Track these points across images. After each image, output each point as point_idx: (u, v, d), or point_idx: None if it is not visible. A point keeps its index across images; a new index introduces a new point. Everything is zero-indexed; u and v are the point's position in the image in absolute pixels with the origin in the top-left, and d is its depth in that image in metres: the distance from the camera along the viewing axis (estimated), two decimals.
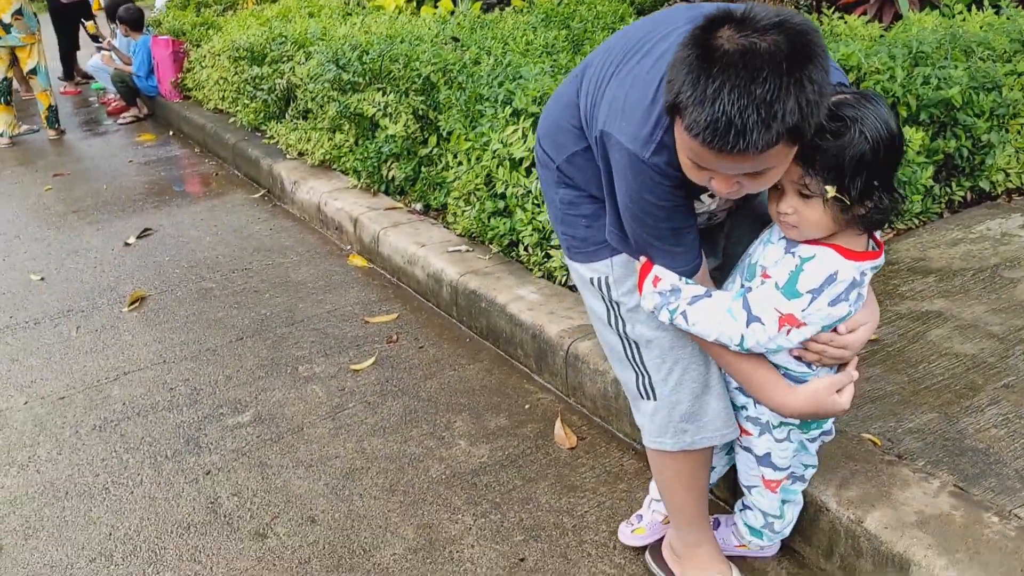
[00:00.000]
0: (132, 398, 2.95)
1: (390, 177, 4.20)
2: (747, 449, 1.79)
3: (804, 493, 1.92)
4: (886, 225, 1.49)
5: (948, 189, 3.34)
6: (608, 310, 1.72)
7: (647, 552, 2.02)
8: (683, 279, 1.55)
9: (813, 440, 1.79)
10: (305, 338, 3.29)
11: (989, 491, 1.88)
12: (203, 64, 6.78)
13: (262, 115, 5.62)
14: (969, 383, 2.29)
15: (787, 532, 1.92)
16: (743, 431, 1.77)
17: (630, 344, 1.71)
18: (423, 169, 4.00)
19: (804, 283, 1.46)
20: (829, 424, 1.79)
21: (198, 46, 7.08)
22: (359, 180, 4.36)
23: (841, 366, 1.62)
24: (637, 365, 1.72)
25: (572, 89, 1.62)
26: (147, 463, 2.59)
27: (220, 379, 3.04)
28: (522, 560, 2.08)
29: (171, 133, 7.05)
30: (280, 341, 3.28)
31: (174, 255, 4.25)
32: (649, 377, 1.71)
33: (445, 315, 3.37)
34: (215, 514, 2.34)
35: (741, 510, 1.93)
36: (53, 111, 7.20)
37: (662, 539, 2.00)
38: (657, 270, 1.56)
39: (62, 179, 5.84)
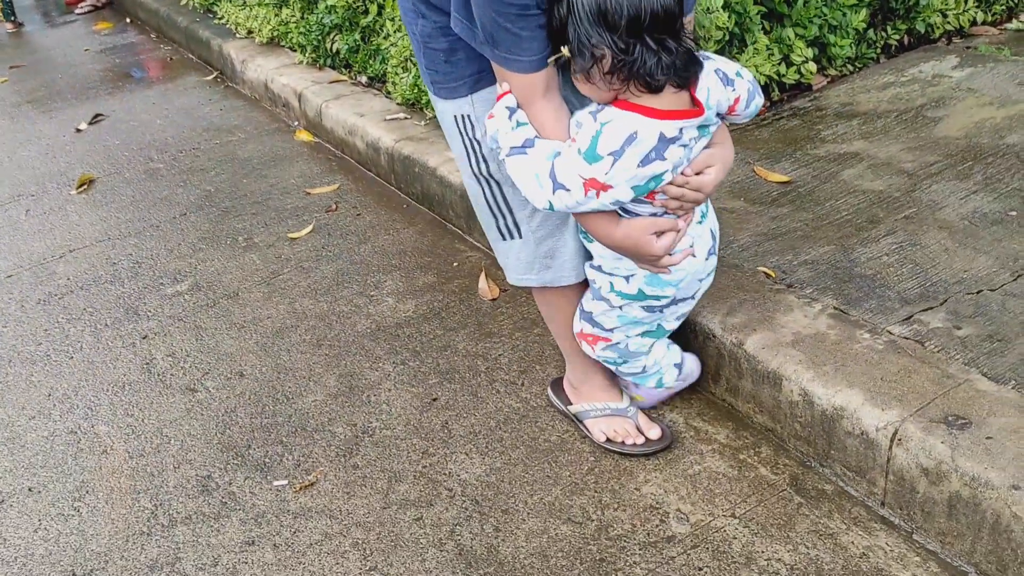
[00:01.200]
0: (76, 274, 3.02)
1: (334, 50, 4.16)
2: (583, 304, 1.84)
3: (694, 323, 2.00)
4: (686, 79, 1.44)
5: (884, 33, 3.30)
6: (469, 151, 1.73)
7: (548, 386, 2.12)
8: (513, 118, 1.54)
9: (644, 316, 1.77)
10: (247, 211, 3.34)
11: (868, 312, 1.95)
12: None
13: None
14: (871, 217, 2.34)
15: (661, 370, 1.91)
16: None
17: (492, 184, 1.74)
18: (365, 38, 3.96)
19: (604, 146, 1.45)
20: (668, 300, 1.74)
21: None
22: (305, 55, 4.31)
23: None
24: (499, 206, 1.76)
25: None
26: (87, 331, 2.68)
27: (162, 252, 3.11)
28: (435, 400, 2.19)
29: (128, 20, 6.91)
30: (222, 215, 3.33)
31: (124, 139, 4.25)
32: (513, 215, 1.75)
33: (384, 183, 3.41)
34: (149, 373, 2.44)
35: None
36: (8, 4, 7.05)
37: (562, 377, 2.10)
38: (496, 107, 1.56)
39: (18, 71, 5.78)
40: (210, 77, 5.07)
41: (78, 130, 4.45)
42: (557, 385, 2.10)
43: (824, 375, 1.78)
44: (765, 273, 2.14)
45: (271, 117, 4.31)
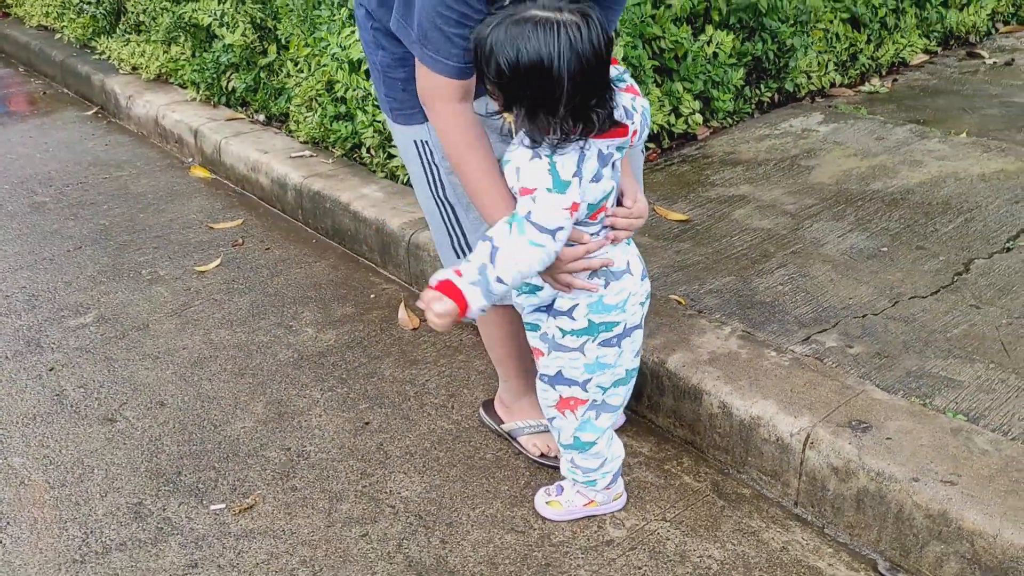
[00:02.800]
0: None
1: (230, 88, 4.16)
2: (542, 376, 1.80)
3: None
4: (603, 125, 1.57)
5: (758, 90, 3.64)
6: (427, 175, 1.84)
7: (480, 407, 2.22)
8: (474, 252, 1.54)
9: (605, 354, 1.72)
10: (147, 245, 3.28)
11: (772, 334, 2.16)
12: None
13: (91, 30, 5.37)
14: (763, 251, 2.58)
15: (605, 478, 1.85)
16: (535, 352, 1.79)
17: (448, 207, 1.85)
18: (263, 79, 3.99)
19: (564, 172, 1.51)
20: (620, 328, 1.71)
21: None
22: (198, 92, 4.29)
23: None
24: (454, 226, 1.87)
25: None
26: None
27: (59, 285, 3.01)
28: (367, 423, 2.24)
29: None
30: (121, 248, 3.26)
31: (2, 171, 4.08)
32: (465, 236, 1.86)
33: (290, 219, 3.43)
34: (61, 404, 2.37)
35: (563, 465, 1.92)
36: None
37: (493, 399, 2.19)
38: (454, 277, 1.53)
39: None
40: (90, 112, 4.93)
41: None
42: (488, 406, 2.19)
43: (740, 388, 1.96)
44: (677, 300, 2.32)
45: (162, 153, 4.24)
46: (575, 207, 1.53)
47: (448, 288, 1.52)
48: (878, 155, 3.18)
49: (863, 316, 2.23)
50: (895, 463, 1.70)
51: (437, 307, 1.51)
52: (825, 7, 3.73)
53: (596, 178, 1.56)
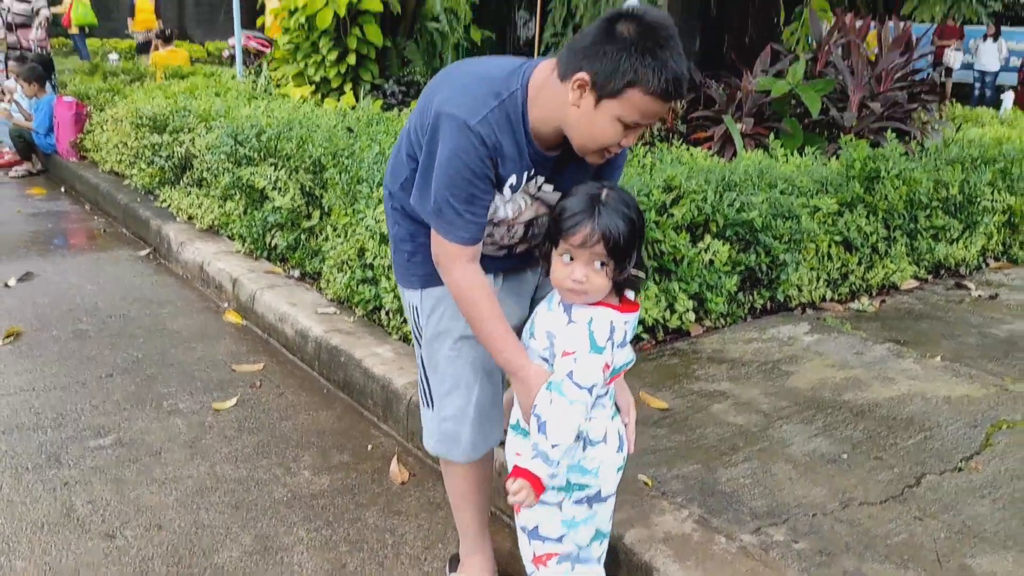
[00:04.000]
0: None
1: (273, 244, 4.56)
2: (521, 528, 1.97)
3: None
4: (638, 289, 1.92)
5: (751, 297, 3.93)
6: (415, 332, 2.18)
7: (448, 560, 2.39)
8: (541, 448, 1.76)
9: (581, 512, 1.91)
10: (173, 379, 3.56)
11: (726, 521, 2.34)
12: (104, 128, 7.04)
13: (157, 180, 5.91)
14: (732, 445, 2.78)
15: None
16: (515, 507, 1.94)
17: (422, 363, 2.16)
18: (304, 239, 4.38)
19: (600, 337, 1.77)
20: (594, 491, 1.92)
21: (101, 110, 7.34)
22: (243, 245, 4.69)
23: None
24: (425, 379, 2.16)
25: (404, 129, 2.03)
26: (8, 473, 2.79)
27: (86, 407, 3.27)
28: (344, 566, 2.40)
29: (63, 189, 7.21)
30: (149, 380, 3.54)
31: (54, 298, 4.45)
32: (430, 391, 2.15)
33: (307, 368, 3.71)
34: (68, 517, 2.57)
35: None
36: None
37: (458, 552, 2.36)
38: (516, 460, 1.83)
39: None
40: (143, 252, 5.36)
41: (6, 285, 4.61)
42: (454, 559, 2.36)
43: (687, 568, 2.12)
44: (644, 481, 2.52)
45: (201, 296, 4.60)
46: (607, 367, 1.80)
47: (516, 471, 1.79)
48: (854, 368, 3.41)
49: (813, 515, 2.39)
50: None
51: (511, 487, 1.78)
52: (819, 230, 4.08)
53: (620, 345, 1.84)
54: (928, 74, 6.52)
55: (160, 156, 5.82)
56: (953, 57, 16.70)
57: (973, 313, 4.14)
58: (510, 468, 1.81)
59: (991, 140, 5.58)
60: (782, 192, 4.02)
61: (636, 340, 3.56)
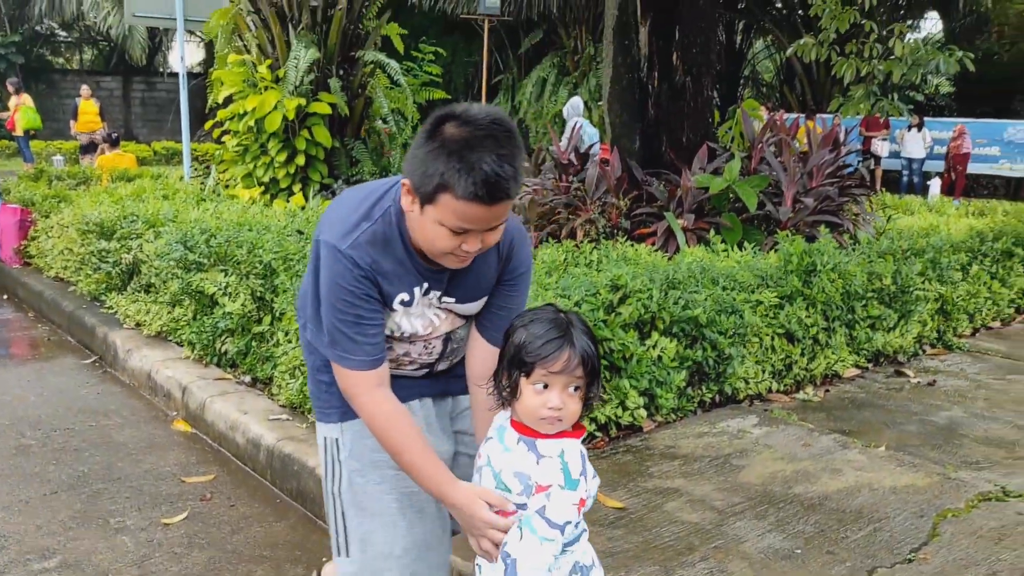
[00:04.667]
0: None
1: (223, 351, 4.54)
2: None
3: None
4: (591, 411, 1.91)
5: (700, 391, 4.01)
6: (329, 469, 2.04)
7: None
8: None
9: None
10: (120, 494, 3.48)
11: None
12: (49, 234, 6.99)
13: (104, 286, 5.86)
14: (688, 544, 2.80)
15: None
16: None
17: (339, 503, 2.03)
18: (255, 345, 4.37)
19: (574, 471, 1.70)
20: None
21: (47, 216, 7.30)
22: (193, 351, 4.66)
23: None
24: (339, 523, 2.04)
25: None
26: None
27: (30, 528, 3.17)
28: None
29: (5, 296, 7.10)
30: (95, 496, 3.45)
31: None
32: (347, 537, 2.03)
33: (260, 478, 3.65)
34: None
35: None
36: None
37: None
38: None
39: None
40: (88, 361, 5.27)
41: None
42: None
43: None
44: None
45: (149, 405, 4.52)
46: (582, 503, 1.72)
47: None
48: (803, 461, 3.48)
49: None
50: None
51: None
52: (761, 324, 4.21)
53: (594, 474, 1.79)
54: (856, 167, 6.84)
55: (107, 262, 5.79)
56: (881, 147, 17.50)
57: (913, 400, 4.27)
58: None
59: (919, 231, 5.85)
60: (724, 288, 4.15)
61: (590, 438, 3.60)
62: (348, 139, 8.56)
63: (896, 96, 7.85)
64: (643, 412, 3.70)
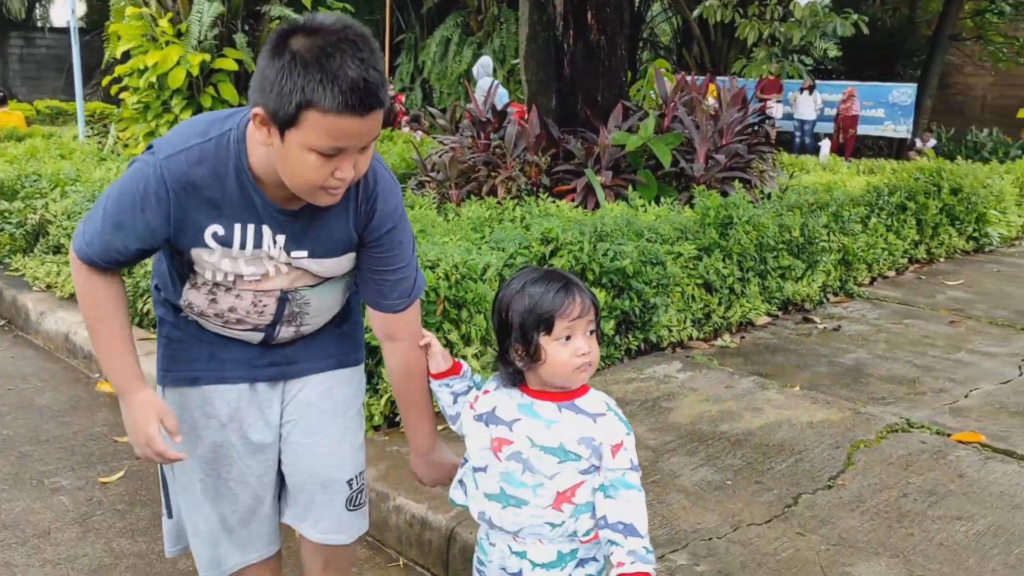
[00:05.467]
0: None
1: (144, 311, 4.44)
2: None
3: None
4: None
5: (627, 339, 4.17)
6: None
7: None
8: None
9: None
10: (51, 455, 3.40)
11: None
12: None
13: (7, 248, 5.62)
14: None
15: None
16: None
17: (160, 466, 1.99)
18: None
19: (622, 414, 1.73)
20: None
21: None
22: None
23: None
24: (162, 484, 2.01)
25: None
26: None
27: None
28: None
29: None
30: (24, 458, 3.37)
31: None
32: (167, 499, 2.01)
33: None
34: None
35: None
36: None
37: None
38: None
39: None
40: None
41: None
42: None
43: None
44: None
45: (68, 368, 4.40)
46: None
47: None
48: (726, 401, 3.68)
49: (708, 539, 2.59)
50: None
51: None
52: (683, 274, 4.38)
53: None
54: (757, 127, 7.11)
55: (10, 223, 5.54)
56: (775, 109, 18.11)
57: (821, 345, 4.54)
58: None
59: (822, 186, 6.15)
60: (649, 240, 4.30)
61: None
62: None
63: (795, 59, 8.15)
64: None
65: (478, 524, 1.79)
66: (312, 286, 1.80)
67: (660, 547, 2.53)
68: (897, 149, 19.07)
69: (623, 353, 4.17)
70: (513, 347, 1.69)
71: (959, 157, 8.96)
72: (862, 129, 18.20)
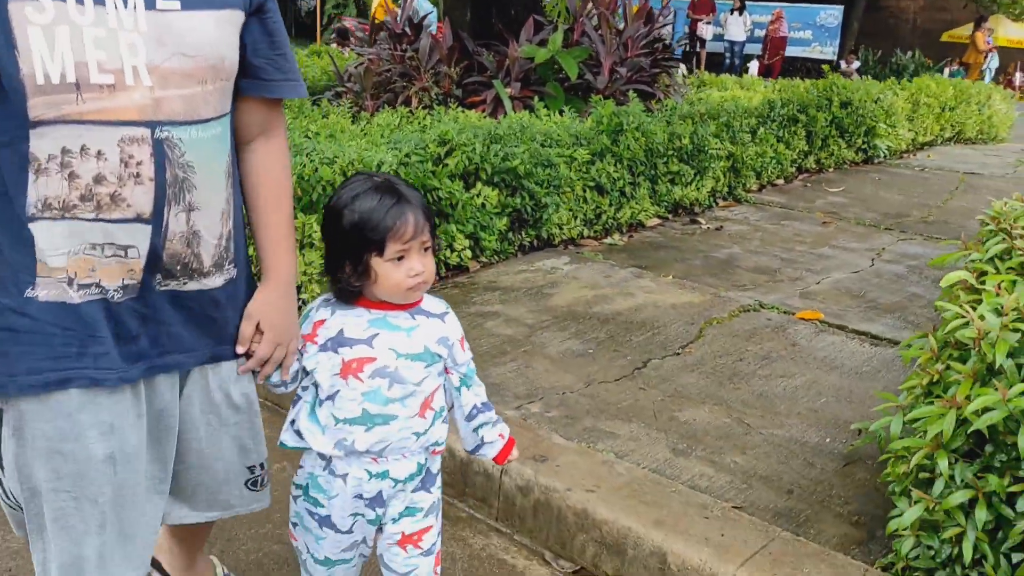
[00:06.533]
0: None
1: None
2: (427, 552, 1.80)
3: None
4: None
5: (520, 236, 4.52)
6: None
7: None
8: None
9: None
10: None
11: (495, 403, 2.87)
12: None
13: None
14: (501, 350, 3.33)
15: None
16: (423, 532, 1.79)
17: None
18: None
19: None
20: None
21: None
22: None
23: None
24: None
25: None
26: None
27: None
28: None
29: None
30: None
31: None
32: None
33: None
34: None
35: None
36: None
37: None
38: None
39: None
40: None
41: None
42: None
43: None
44: None
45: None
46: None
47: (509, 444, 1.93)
48: (603, 288, 4.08)
49: (563, 393, 2.99)
50: (557, 480, 2.41)
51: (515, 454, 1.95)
52: (575, 177, 4.73)
53: None
54: (670, 43, 7.40)
55: None
56: (706, 30, 18.36)
57: (702, 242, 4.96)
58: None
59: (719, 100, 6.51)
60: (542, 144, 4.62)
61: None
62: None
63: None
64: (469, 253, 4.17)
65: (322, 458, 1.70)
66: (186, 124, 1.43)
67: (519, 399, 2.93)
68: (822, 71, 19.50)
69: (517, 249, 4.53)
70: (345, 264, 1.62)
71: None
72: (790, 51, 18.58)
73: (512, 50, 6.25)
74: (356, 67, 6.55)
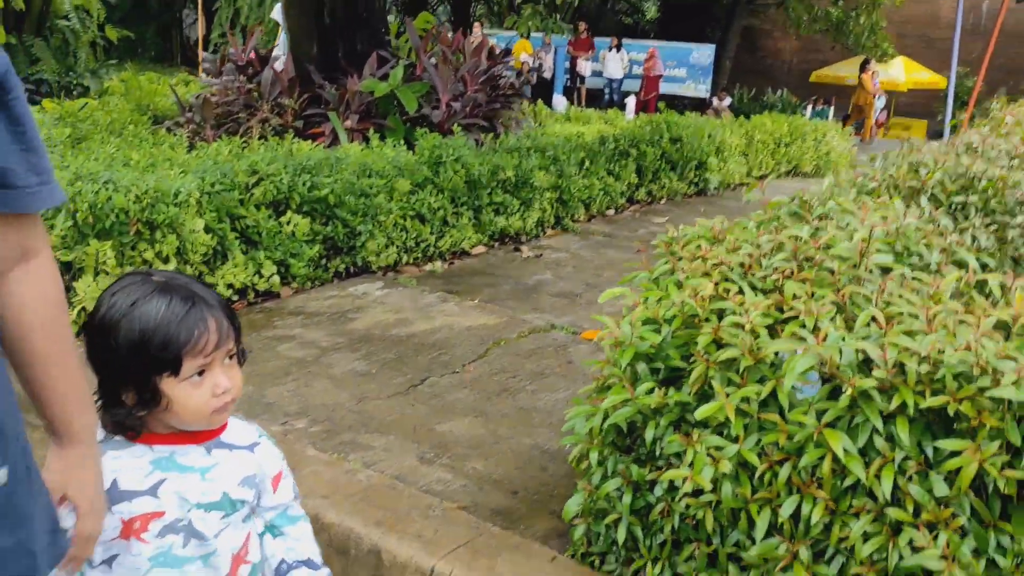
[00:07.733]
0: None
1: None
2: None
3: None
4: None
5: (335, 262, 4.69)
6: None
7: None
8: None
9: None
10: None
11: (263, 421, 3.01)
12: None
13: None
14: (286, 371, 3.48)
15: None
16: None
17: None
18: None
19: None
20: None
21: None
22: None
23: None
24: None
25: None
26: None
27: None
28: None
29: None
30: None
31: None
32: None
33: None
34: None
35: None
36: None
37: None
38: None
39: None
40: None
41: None
42: None
43: None
44: None
45: None
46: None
47: None
48: (407, 312, 4.28)
49: (332, 410, 3.16)
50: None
51: None
52: (395, 207, 4.93)
53: None
54: (512, 79, 7.72)
55: None
56: (585, 66, 18.98)
57: (519, 269, 5.22)
58: None
59: (555, 134, 6.85)
60: (359, 175, 4.81)
61: (228, 301, 4.16)
62: (27, 36, 8.28)
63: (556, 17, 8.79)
64: (277, 279, 4.31)
65: None
66: None
67: (288, 416, 3.08)
68: (698, 107, 20.42)
69: (332, 275, 4.69)
70: (126, 390, 1.31)
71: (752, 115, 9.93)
72: (665, 87, 19.36)
73: (351, 84, 6.45)
74: (196, 98, 6.64)
